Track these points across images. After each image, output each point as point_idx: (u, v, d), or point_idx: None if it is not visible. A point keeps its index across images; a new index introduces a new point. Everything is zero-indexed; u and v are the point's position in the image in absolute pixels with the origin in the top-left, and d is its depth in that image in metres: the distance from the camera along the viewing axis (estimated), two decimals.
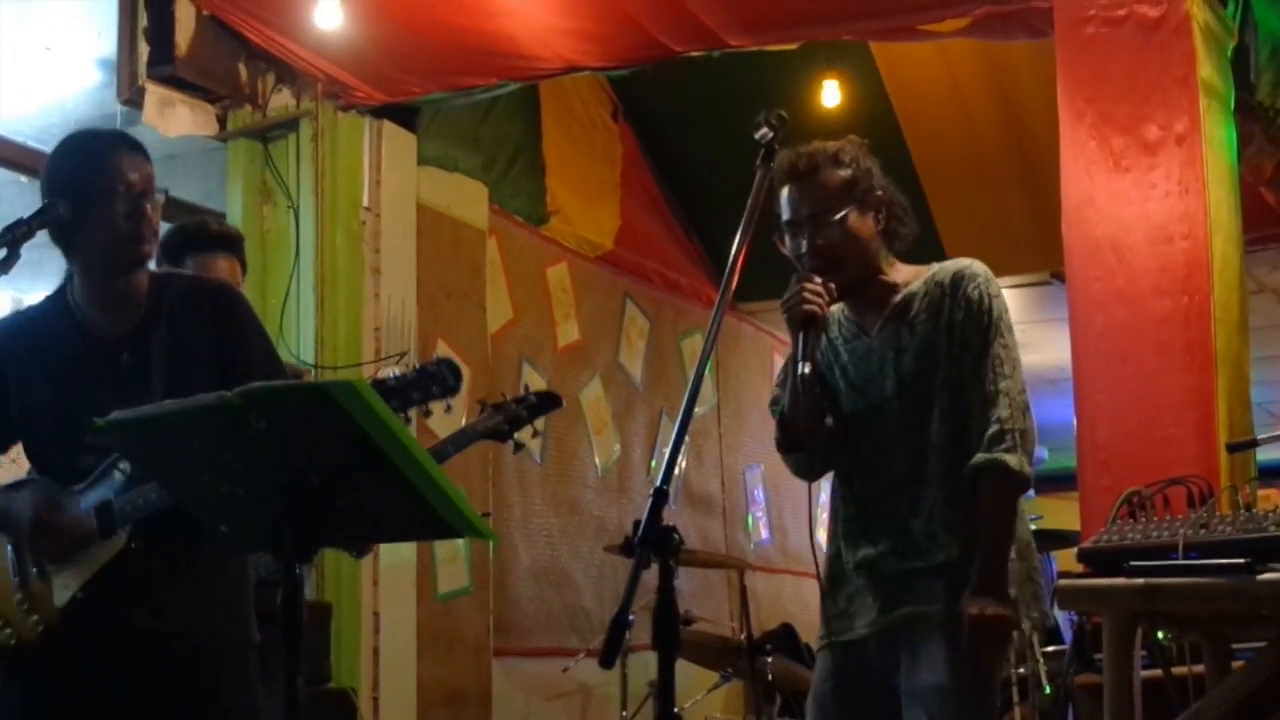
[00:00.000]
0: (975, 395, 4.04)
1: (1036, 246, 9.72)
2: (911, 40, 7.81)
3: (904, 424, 4.09)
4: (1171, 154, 6.60)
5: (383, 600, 7.92)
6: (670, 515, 3.39)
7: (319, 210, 7.84)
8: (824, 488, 13.69)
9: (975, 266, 4.15)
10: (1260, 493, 6.97)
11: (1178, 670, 5.28)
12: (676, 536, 3.46)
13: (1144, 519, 6.27)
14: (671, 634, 3.41)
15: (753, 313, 11.86)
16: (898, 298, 4.16)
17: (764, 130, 3.88)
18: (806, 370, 3.96)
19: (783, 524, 12.42)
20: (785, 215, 4.15)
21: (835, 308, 4.20)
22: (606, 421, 10.38)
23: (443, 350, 8.50)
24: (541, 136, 9.73)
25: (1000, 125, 9.73)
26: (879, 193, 4.16)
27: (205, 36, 7.64)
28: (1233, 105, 6.94)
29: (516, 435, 5.62)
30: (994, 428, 3.99)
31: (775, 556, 12.24)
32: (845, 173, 4.12)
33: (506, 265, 9.44)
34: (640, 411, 10.79)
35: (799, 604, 12.14)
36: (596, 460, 10.20)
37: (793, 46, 7.88)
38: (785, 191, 4.15)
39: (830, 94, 9.58)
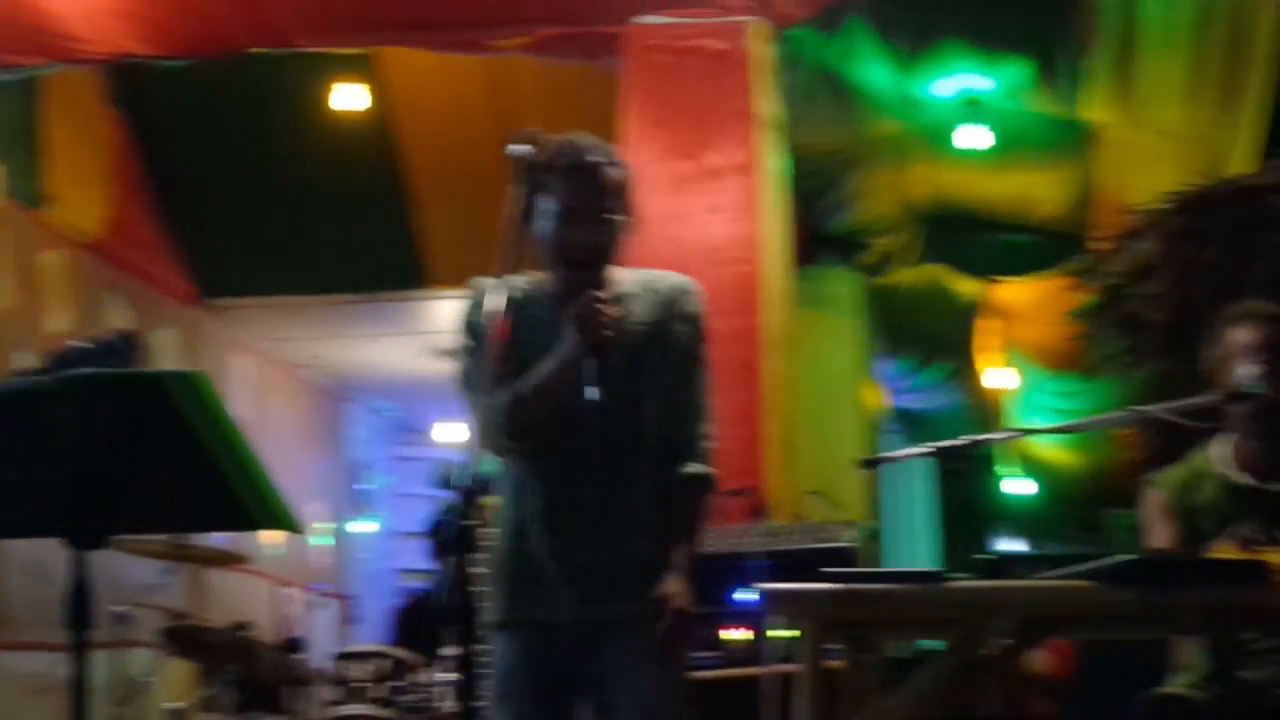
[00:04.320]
0: (686, 407, 4.25)
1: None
2: (477, 54, 7.94)
3: (605, 419, 4.16)
4: (731, 181, 6.98)
5: None
6: None
7: None
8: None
9: (693, 283, 4.33)
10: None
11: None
12: (478, 531, 3.57)
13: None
14: (471, 622, 3.52)
15: (221, 309, 11.69)
16: (613, 295, 4.20)
17: (521, 147, 3.97)
18: (597, 395, 4.01)
19: None
20: (564, 202, 4.13)
21: (532, 281, 4.25)
22: None
23: None
24: (41, 117, 9.38)
25: (498, 143, 9.86)
26: (633, 207, 4.27)
27: None
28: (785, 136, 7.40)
29: None
30: (704, 442, 4.26)
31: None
32: (623, 176, 4.22)
33: (3, 248, 9.08)
34: None
35: (252, 602, 12.05)
36: None
37: (360, 50, 7.89)
38: (569, 178, 4.16)
39: (335, 98, 9.59)
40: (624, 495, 4.19)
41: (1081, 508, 14.67)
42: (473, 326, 4.23)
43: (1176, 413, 4.55)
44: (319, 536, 13.75)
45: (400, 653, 7.56)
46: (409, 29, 7.47)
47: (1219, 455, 4.93)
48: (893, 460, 5.08)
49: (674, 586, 4.11)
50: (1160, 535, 4.90)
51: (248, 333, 12.39)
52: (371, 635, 13.63)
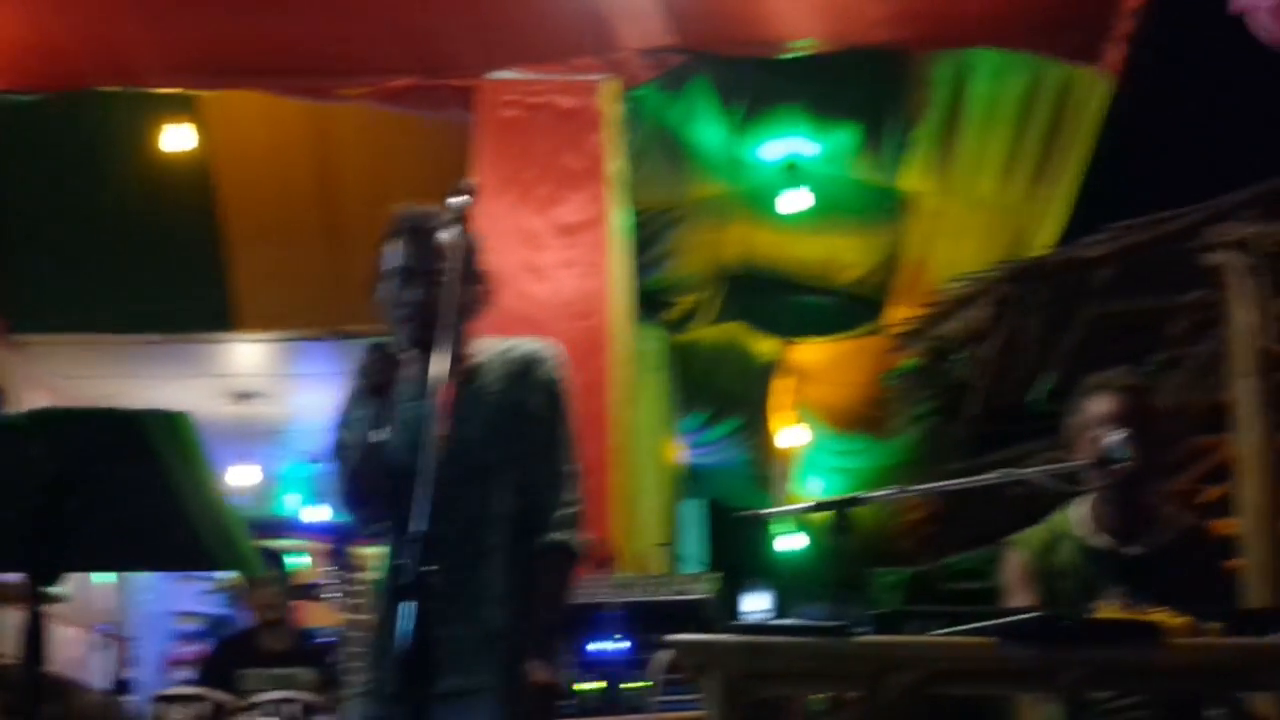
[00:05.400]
0: (544, 474, 4.30)
1: (328, 305, 9.93)
2: (326, 101, 7.94)
3: (457, 489, 4.16)
4: (582, 237, 7.11)
5: None
6: None
7: None
8: None
9: (549, 349, 4.39)
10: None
11: None
12: (434, 579, 3.62)
13: None
14: (427, 672, 3.56)
15: (21, 345, 11.46)
16: (466, 366, 4.28)
17: (461, 198, 4.04)
18: (383, 438, 4.12)
19: None
20: (396, 263, 4.23)
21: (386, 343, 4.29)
22: None
23: None
24: None
25: (314, 189, 9.85)
26: (479, 271, 4.33)
27: None
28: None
29: None
30: (565, 510, 4.28)
31: None
32: (460, 240, 4.16)
33: None
34: None
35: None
36: None
37: (187, 91, 7.84)
38: (402, 242, 4.26)
39: (153, 138, 9.49)
40: (476, 566, 4.21)
41: (849, 565, 14.93)
42: (353, 392, 4.26)
43: (1047, 475, 4.71)
44: (100, 577, 13.54)
45: (220, 695, 7.51)
46: (261, 73, 7.47)
47: (1077, 518, 5.08)
48: (778, 515, 5.23)
49: (539, 662, 4.17)
50: (1022, 597, 5.03)
51: (45, 370, 12.15)
52: (151, 678, 13.48)
